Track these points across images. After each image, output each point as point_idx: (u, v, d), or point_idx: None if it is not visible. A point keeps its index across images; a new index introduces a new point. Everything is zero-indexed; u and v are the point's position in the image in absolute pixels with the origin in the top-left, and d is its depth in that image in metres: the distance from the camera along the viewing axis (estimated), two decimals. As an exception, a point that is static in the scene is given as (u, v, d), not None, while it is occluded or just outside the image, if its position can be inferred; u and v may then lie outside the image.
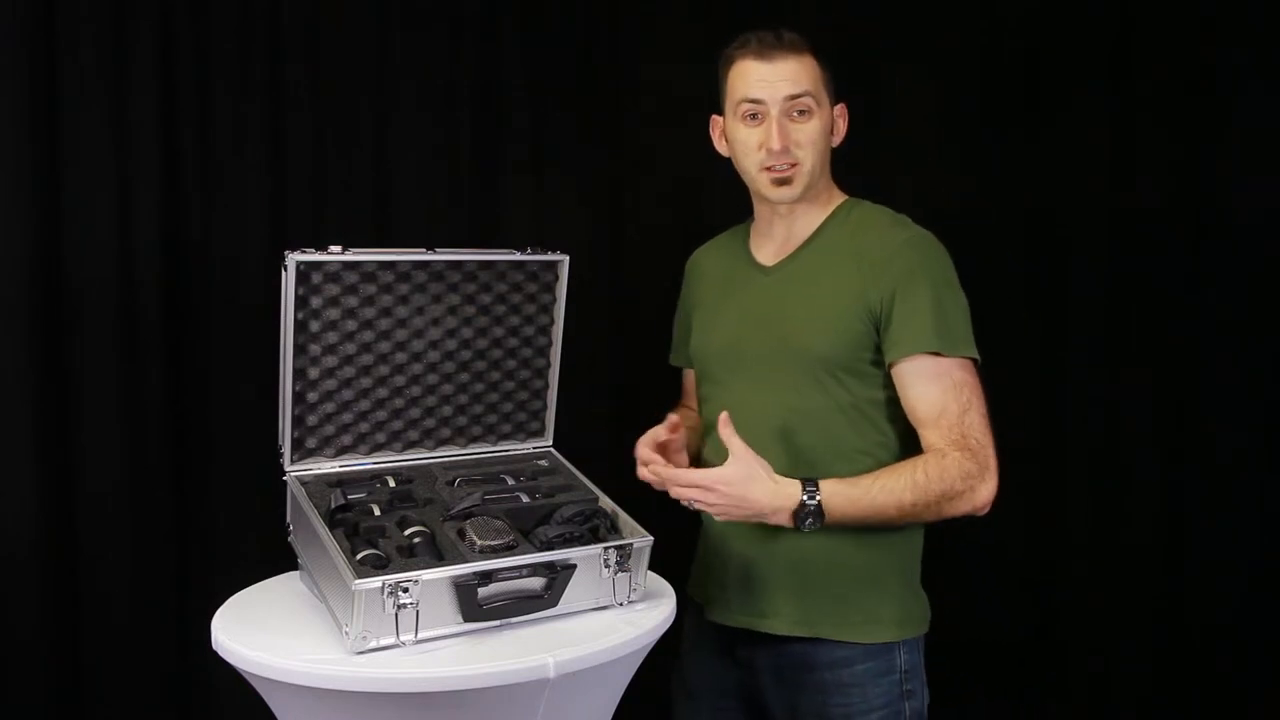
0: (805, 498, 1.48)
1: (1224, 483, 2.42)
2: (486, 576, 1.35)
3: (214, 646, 1.38)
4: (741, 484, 1.47)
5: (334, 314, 1.54)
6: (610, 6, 2.44)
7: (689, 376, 1.89)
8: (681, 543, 1.80)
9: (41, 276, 1.95)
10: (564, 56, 2.39)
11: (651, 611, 1.46)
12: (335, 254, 1.49)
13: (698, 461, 1.71)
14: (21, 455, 1.94)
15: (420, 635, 1.31)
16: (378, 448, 1.64)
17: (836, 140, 1.68)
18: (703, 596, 1.72)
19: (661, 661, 1.74)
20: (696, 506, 1.55)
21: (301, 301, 1.50)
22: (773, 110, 1.59)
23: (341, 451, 1.61)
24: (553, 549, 1.43)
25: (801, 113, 1.60)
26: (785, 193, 1.63)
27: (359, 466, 1.62)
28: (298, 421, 1.56)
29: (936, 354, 1.55)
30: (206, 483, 2.11)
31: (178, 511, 2.09)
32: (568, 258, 1.68)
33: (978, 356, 1.59)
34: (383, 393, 1.62)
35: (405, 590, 1.30)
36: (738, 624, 1.67)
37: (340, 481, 1.57)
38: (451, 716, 1.29)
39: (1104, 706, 2.53)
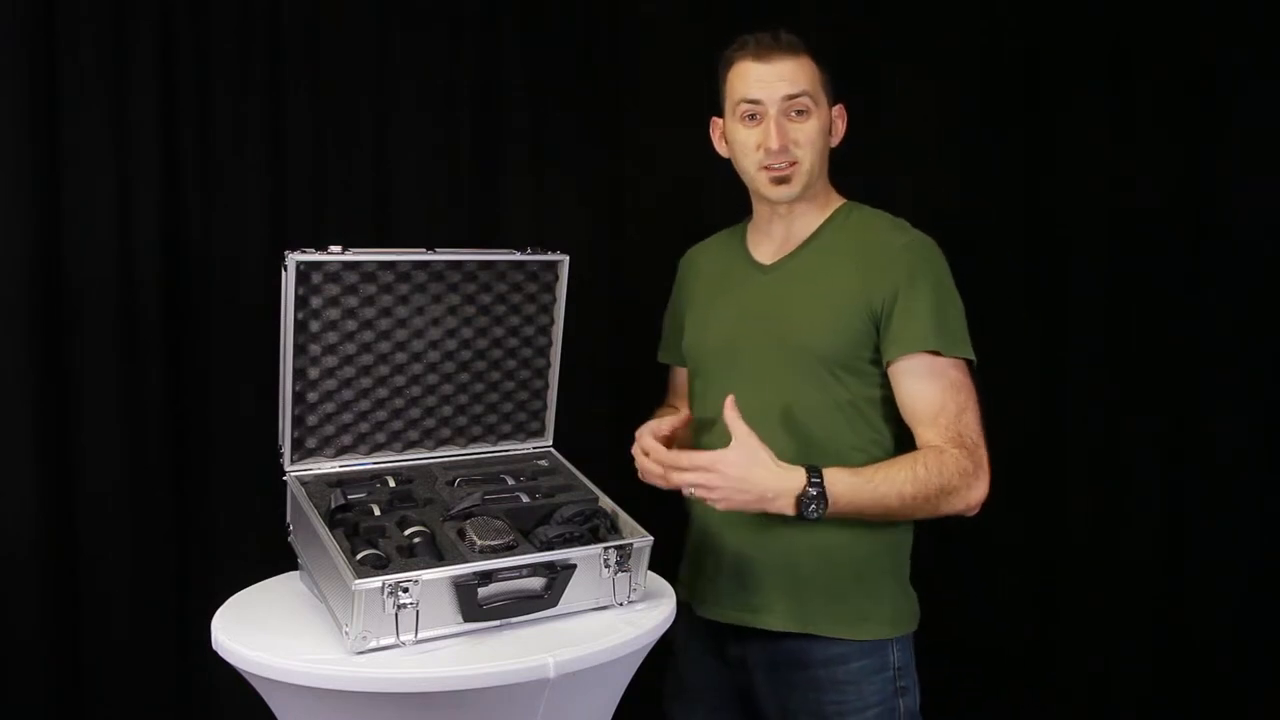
0: (810, 483, 1.48)
1: (1224, 483, 2.42)
2: (486, 576, 1.35)
3: (214, 646, 1.38)
4: (745, 466, 1.47)
5: (334, 314, 1.54)
6: (610, 6, 2.44)
7: (677, 374, 1.89)
8: (681, 543, 1.80)
9: (41, 276, 1.95)
10: (564, 56, 2.39)
11: (651, 611, 1.45)
12: (335, 254, 1.49)
13: None
14: (21, 455, 1.93)
15: (420, 635, 1.31)
16: (378, 448, 1.64)
17: (835, 141, 1.69)
18: (693, 595, 1.72)
19: (661, 661, 1.74)
20: (698, 494, 1.53)
21: (301, 301, 1.50)
22: (771, 110, 1.61)
23: (341, 451, 1.61)
24: (553, 549, 1.43)
25: (799, 113, 1.62)
26: (784, 191, 1.64)
27: (359, 466, 1.62)
28: (298, 421, 1.56)
29: (935, 353, 1.57)
30: (206, 483, 2.11)
31: (178, 511, 2.08)
32: (568, 258, 1.68)
33: (974, 359, 1.60)
34: (383, 393, 1.62)
35: (405, 590, 1.30)
36: (730, 619, 1.67)
37: (340, 481, 1.57)
38: (451, 716, 1.29)
39: (1104, 706, 2.53)
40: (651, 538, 1.48)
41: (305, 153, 2.17)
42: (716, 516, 1.67)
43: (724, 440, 1.52)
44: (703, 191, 2.35)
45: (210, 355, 2.10)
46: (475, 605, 1.34)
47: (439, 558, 1.38)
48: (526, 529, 1.49)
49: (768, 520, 1.56)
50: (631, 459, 1.68)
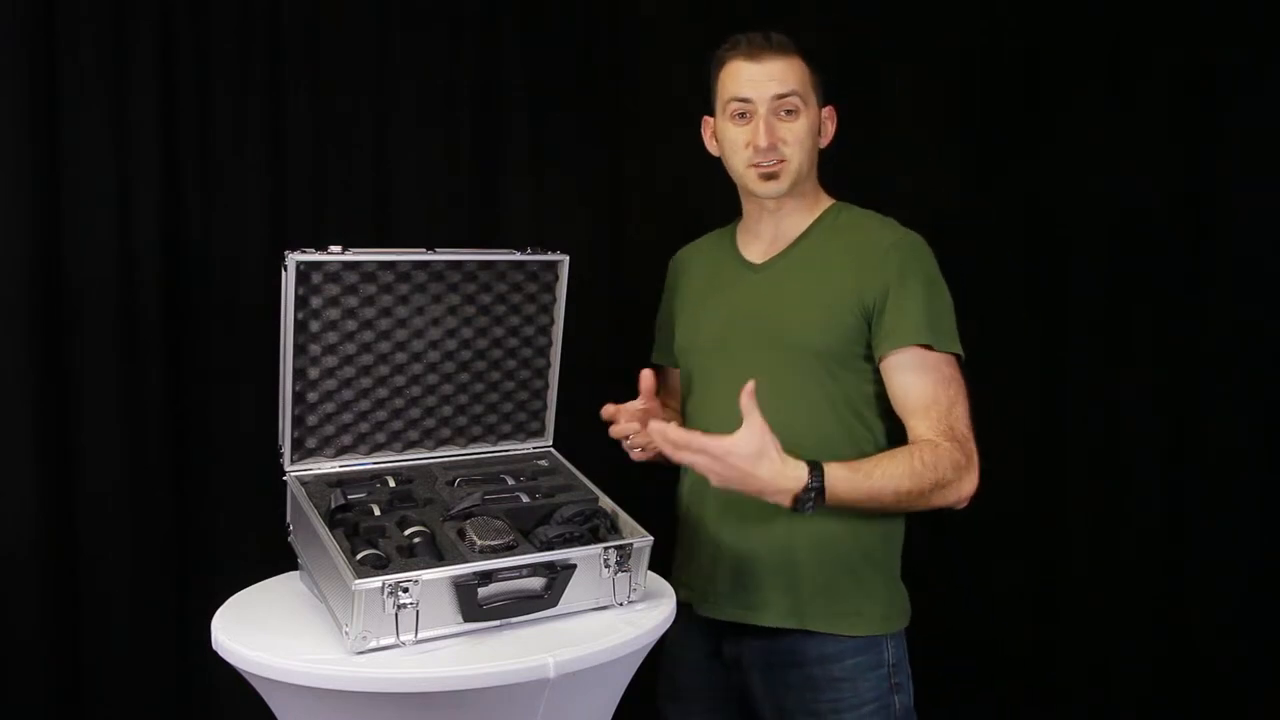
0: (810, 481, 1.48)
1: (1224, 483, 2.41)
2: (486, 576, 1.35)
3: (214, 646, 1.37)
4: (752, 459, 1.46)
5: (334, 314, 1.54)
6: (610, 6, 2.44)
7: (671, 375, 1.90)
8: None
9: (41, 276, 1.95)
10: (564, 56, 2.39)
11: (651, 611, 1.46)
12: (335, 254, 1.49)
13: None
14: (21, 455, 1.93)
15: (420, 635, 1.31)
16: (378, 448, 1.64)
17: (824, 142, 1.72)
18: (687, 593, 1.71)
19: (661, 661, 1.74)
20: (698, 470, 1.50)
21: (301, 301, 1.50)
22: (760, 109, 1.64)
23: (341, 451, 1.61)
24: (553, 549, 1.43)
25: (789, 112, 1.65)
26: (772, 187, 1.66)
27: (359, 466, 1.62)
28: (298, 421, 1.56)
29: (927, 347, 1.59)
30: (206, 483, 2.11)
31: (178, 511, 2.08)
32: (568, 258, 1.68)
33: (963, 354, 1.63)
34: (383, 393, 1.62)
35: (405, 590, 1.30)
36: (727, 617, 1.68)
37: (340, 481, 1.57)
38: (451, 716, 1.29)
39: (1104, 706, 2.53)
40: (651, 538, 1.48)
41: (305, 153, 2.17)
42: (711, 514, 1.67)
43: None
44: (703, 192, 2.35)
45: (210, 355, 2.10)
46: (475, 605, 1.34)
47: (439, 558, 1.38)
48: (526, 529, 1.49)
49: (762, 516, 1.58)
50: (632, 459, 1.68)
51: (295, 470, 1.57)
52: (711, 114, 1.74)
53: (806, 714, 1.63)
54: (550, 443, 1.77)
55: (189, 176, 2.08)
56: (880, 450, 1.62)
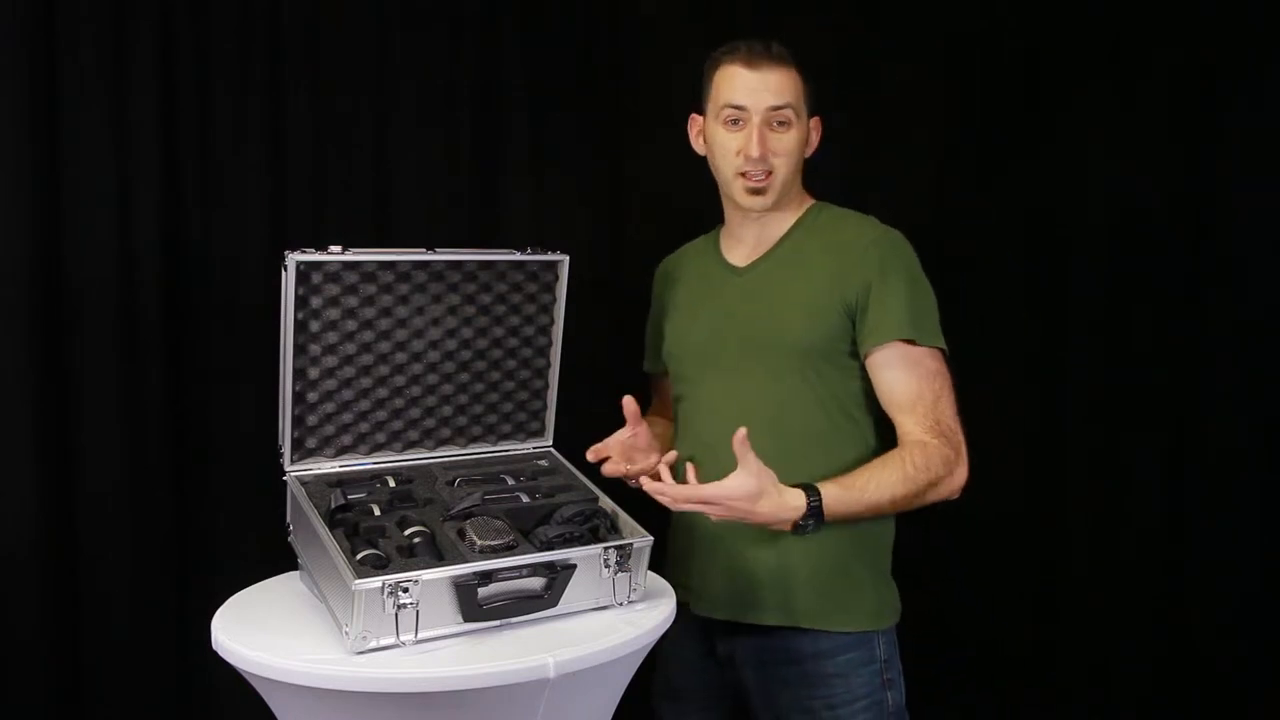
0: (808, 510, 1.51)
1: (1224, 483, 2.41)
2: (486, 576, 1.35)
3: (214, 646, 1.37)
4: (750, 500, 1.49)
5: (334, 314, 1.54)
6: (610, 6, 2.44)
7: (662, 383, 1.91)
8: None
9: (41, 276, 1.95)
10: (564, 56, 2.39)
11: (651, 611, 1.46)
12: (335, 254, 1.49)
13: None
14: (21, 455, 1.93)
15: (420, 635, 1.31)
16: (378, 448, 1.64)
17: (809, 151, 1.74)
18: (682, 592, 1.72)
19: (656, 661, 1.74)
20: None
21: (301, 301, 1.50)
22: (754, 118, 1.65)
23: (341, 451, 1.61)
24: (553, 549, 1.43)
25: (781, 124, 1.66)
26: (758, 201, 1.69)
27: (359, 466, 1.62)
28: (298, 421, 1.56)
29: (911, 342, 1.61)
30: (206, 483, 2.11)
31: (178, 511, 2.08)
32: (568, 258, 1.68)
33: (946, 348, 1.64)
34: (383, 393, 1.62)
35: (405, 590, 1.30)
36: (721, 616, 1.69)
37: (340, 481, 1.57)
38: (451, 716, 1.29)
39: (1104, 706, 2.53)
40: (651, 538, 1.48)
41: (305, 153, 2.17)
42: (705, 514, 1.68)
43: (704, 443, 1.58)
44: (702, 192, 2.34)
45: (210, 355, 2.10)
46: (475, 605, 1.34)
47: (439, 558, 1.38)
48: (526, 529, 1.49)
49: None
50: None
51: (295, 470, 1.57)
52: (701, 112, 1.75)
53: (800, 711, 1.64)
54: (550, 443, 1.77)
55: (189, 176, 2.08)
56: (870, 446, 1.65)
